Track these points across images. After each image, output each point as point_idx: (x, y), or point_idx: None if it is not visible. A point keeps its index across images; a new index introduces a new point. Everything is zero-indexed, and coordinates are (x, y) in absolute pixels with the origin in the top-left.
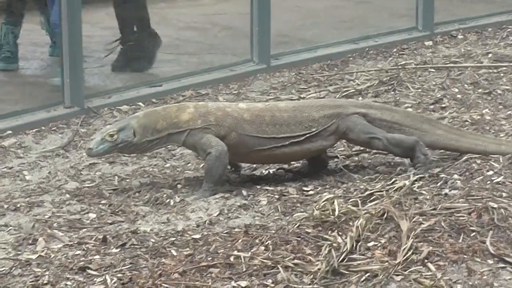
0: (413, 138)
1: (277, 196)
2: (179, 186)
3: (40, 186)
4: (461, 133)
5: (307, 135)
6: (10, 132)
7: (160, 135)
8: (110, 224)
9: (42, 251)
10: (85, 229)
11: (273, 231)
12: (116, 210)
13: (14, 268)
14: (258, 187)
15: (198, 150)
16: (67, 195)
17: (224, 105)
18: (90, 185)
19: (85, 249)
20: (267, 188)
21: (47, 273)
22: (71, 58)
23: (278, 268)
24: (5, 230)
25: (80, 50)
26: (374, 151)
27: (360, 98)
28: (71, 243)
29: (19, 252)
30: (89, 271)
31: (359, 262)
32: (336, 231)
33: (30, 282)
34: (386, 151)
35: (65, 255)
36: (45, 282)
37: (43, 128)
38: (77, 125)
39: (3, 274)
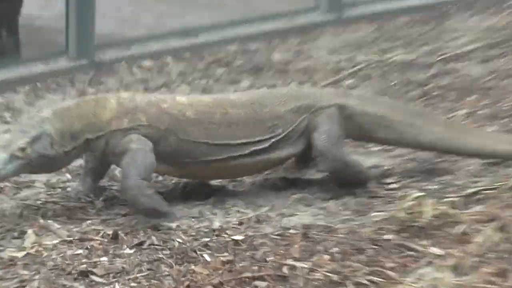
0: (367, 175)
1: None
2: None
3: None
4: (465, 129)
5: (272, 139)
6: None
7: (77, 143)
8: (123, 215)
9: (32, 247)
10: (89, 221)
11: (342, 235)
12: None
13: None
14: (323, 174)
15: (113, 156)
16: (67, 175)
17: (157, 99)
18: None
19: (89, 247)
20: None
21: (36, 277)
22: None
23: (346, 286)
24: None
25: None
26: None
27: (459, 64)
28: (71, 238)
29: (1, 248)
30: (93, 277)
31: (459, 281)
32: (427, 239)
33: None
34: (330, 169)
35: (61, 255)
36: None
37: (38, 85)
38: (84, 83)
39: None
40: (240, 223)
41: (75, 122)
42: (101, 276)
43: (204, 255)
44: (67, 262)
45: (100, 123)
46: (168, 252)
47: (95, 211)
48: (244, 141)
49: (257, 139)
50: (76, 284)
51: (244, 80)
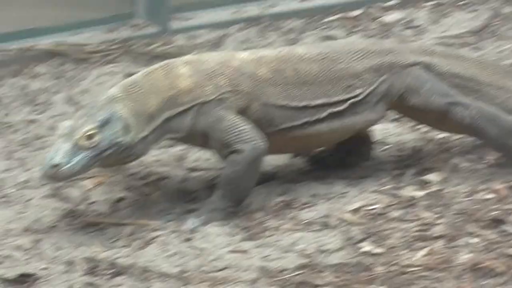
0: None
1: None
2: None
3: None
4: None
5: (351, 100)
6: (397, 1)
7: (155, 123)
8: None
9: (433, 187)
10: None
11: None
12: None
13: (390, 207)
14: None
15: (215, 141)
16: None
17: (225, 57)
18: None
19: (500, 192)
20: None
21: (440, 221)
22: None
23: None
24: None
25: None
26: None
27: None
28: (478, 180)
29: (402, 185)
30: (504, 226)
31: None
32: None
33: (415, 231)
34: (470, 131)
35: (469, 198)
36: (435, 234)
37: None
38: None
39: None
40: None
41: (152, 97)
42: None
43: None
44: (475, 207)
45: (180, 95)
46: None
47: None
48: (320, 101)
49: (334, 99)
50: (484, 232)
51: None
